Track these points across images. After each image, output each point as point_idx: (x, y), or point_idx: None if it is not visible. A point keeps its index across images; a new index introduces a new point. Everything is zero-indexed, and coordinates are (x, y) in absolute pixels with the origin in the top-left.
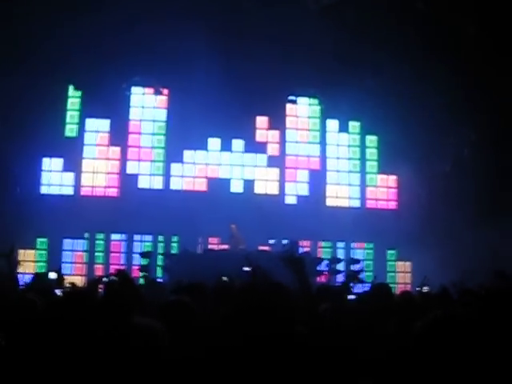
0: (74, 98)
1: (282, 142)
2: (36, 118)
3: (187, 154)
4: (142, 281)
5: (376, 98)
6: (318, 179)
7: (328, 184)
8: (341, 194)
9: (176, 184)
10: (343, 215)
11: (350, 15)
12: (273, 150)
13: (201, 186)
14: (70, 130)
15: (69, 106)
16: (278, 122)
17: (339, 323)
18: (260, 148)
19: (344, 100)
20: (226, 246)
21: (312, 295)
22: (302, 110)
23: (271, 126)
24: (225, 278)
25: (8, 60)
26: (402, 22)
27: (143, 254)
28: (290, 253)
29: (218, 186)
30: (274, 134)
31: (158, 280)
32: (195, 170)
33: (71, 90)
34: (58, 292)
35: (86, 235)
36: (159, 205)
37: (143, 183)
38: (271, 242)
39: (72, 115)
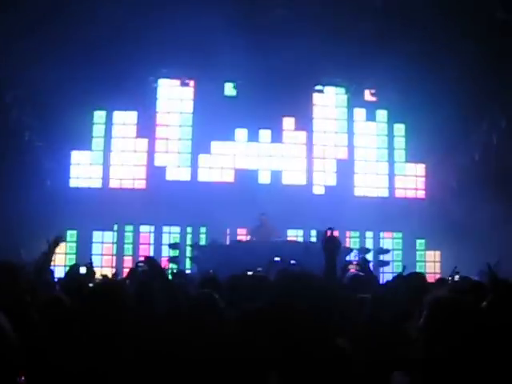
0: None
1: (309, 131)
2: (65, 112)
3: (214, 146)
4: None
5: (403, 85)
6: (345, 169)
7: (356, 174)
8: (369, 184)
9: (203, 175)
10: (371, 205)
11: None
12: (300, 139)
13: (228, 177)
14: (99, 122)
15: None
16: (304, 112)
17: (379, 316)
18: (287, 138)
19: (371, 88)
20: (252, 238)
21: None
22: (329, 100)
23: (298, 116)
24: (250, 273)
25: (43, 54)
26: (430, 5)
27: (172, 246)
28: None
29: (246, 177)
30: (301, 124)
31: (187, 271)
32: (222, 162)
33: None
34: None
35: (115, 227)
36: (187, 196)
37: (171, 175)
38: (277, 259)
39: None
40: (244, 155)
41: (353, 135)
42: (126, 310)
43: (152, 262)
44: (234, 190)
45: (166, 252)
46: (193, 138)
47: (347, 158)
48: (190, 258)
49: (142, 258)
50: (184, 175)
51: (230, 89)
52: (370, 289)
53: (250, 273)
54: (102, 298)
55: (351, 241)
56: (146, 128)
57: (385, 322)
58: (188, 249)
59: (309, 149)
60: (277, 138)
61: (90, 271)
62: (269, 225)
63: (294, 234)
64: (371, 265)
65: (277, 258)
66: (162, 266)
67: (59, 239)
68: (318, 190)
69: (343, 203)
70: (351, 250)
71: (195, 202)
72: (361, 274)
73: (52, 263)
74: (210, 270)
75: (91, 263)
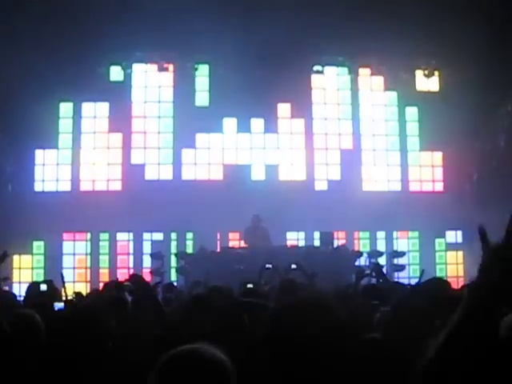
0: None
1: (309, 119)
2: (27, 106)
3: (200, 139)
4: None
5: (413, 62)
6: (351, 160)
7: (363, 165)
8: (378, 177)
9: (188, 173)
10: (382, 201)
11: None
12: (298, 128)
13: (217, 174)
14: (65, 115)
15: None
16: (302, 96)
17: (403, 329)
18: (283, 127)
19: (379, 68)
20: (245, 245)
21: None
22: (330, 82)
23: (295, 102)
24: (250, 285)
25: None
26: None
27: (154, 255)
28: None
29: (237, 173)
30: (299, 111)
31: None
32: (210, 156)
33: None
34: (60, 306)
35: (88, 236)
36: (170, 198)
37: (150, 174)
38: (268, 266)
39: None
40: (234, 148)
41: (358, 122)
42: (107, 343)
43: (138, 281)
44: (224, 189)
45: (148, 263)
46: (174, 130)
47: (353, 147)
48: (176, 269)
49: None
50: (165, 174)
51: (215, 73)
52: (387, 299)
53: (249, 285)
54: (75, 330)
55: (360, 243)
56: (120, 121)
57: (398, 342)
58: (173, 258)
59: (308, 139)
60: (271, 127)
61: (52, 289)
62: (262, 228)
63: (294, 238)
64: (384, 270)
65: (268, 265)
66: (149, 283)
67: (3, 256)
68: (321, 185)
69: (349, 200)
70: (361, 253)
71: (179, 204)
72: (373, 281)
73: (13, 280)
74: (199, 280)
75: (62, 276)
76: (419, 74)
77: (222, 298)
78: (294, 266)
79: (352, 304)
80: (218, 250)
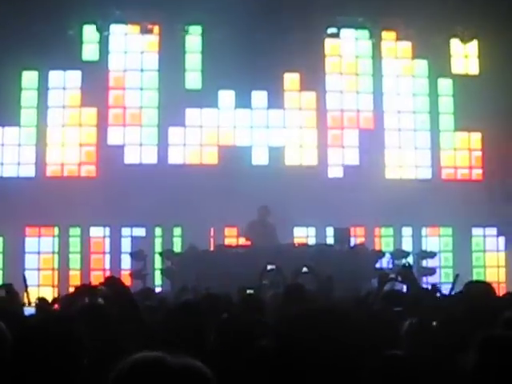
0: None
1: (321, 92)
2: None
3: (190, 115)
4: None
5: (449, 24)
6: (372, 142)
7: (387, 148)
8: (405, 162)
9: (176, 156)
10: (409, 191)
11: None
12: (308, 103)
13: (211, 157)
14: (29, 86)
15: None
16: (314, 65)
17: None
18: (290, 102)
19: (406, 31)
20: (247, 242)
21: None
22: (348, 47)
23: (305, 72)
24: (250, 291)
25: None
26: None
27: (135, 255)
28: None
29: (235, 156)
30: (309, 83)
31: (156, 289)
32: (202, 137)
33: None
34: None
35: (56, 231)
36: (154, 186)
37: (131, 157)
38: (270, 267)
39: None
40: (231, 127)
41: (381, 96)
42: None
43: (116, 285)
44: (219, 176)
45: (128, 263)
46: (160, 105)
47: (374, 127)
48: (161, 271)
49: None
50: (149, 157)
51: (209, 36)
52: (415, 309)
53: (249, 291)
54: (45, 343)
55: (382, 241)
56: (95, 93)
57: (428, 356)
58: (157, 258)
59: (320, 116)
60: (276, 102)
61: (12, 294)
62: (268, 224)
63: (303, 235)
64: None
65: (270, 266)
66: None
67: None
68: (335, 172)
69: (369, 190)
70: (383, 253)
71: (165, 193)
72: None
73: None
74: (187, 285)
75: (25, 281)
76: (454, 39)
77: (218, 307)
78: (305, 270)
79: (372, 313)
80: (212, 248)
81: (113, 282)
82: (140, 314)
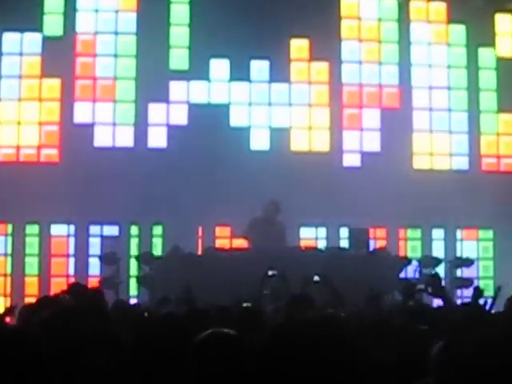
0: None
1: (335, 62)
2: None
3: (175, 88)
4: None
5: None
6: (397, 125)
7: (415, 132)
8: (437, 150)
9: (157, 139)
10: (441, 184)
11: None
12: (320, 76)
13: (199, 141)
14: None
15: None
16: (326, 29)
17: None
18: (298, 74)
19: None
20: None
21: None
22: (368, 8)
23: (315, 37)
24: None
25: None
26: None
27: (106, 258)
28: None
29: (229, 140)
30: (321, 51)
31: (131, 300)
32: (189, 115)
33: None
34: None
35: (9, 229)
36: (130, 175)
37: (102, 139)
38: (271, 273)
39: None
40: (225, 103)
41: (409, 67)
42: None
43: (82, 294)
44: (209, 164)
45: (97, 268)
46: (138, 75)
47: (399, 106)
48: (137, 279)
49: None
50: (124, 139)
51: None
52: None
53: (246, 304)
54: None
55: (409, 245)
56: (59, 60)
57: None
58: (133, 263)
59: (334, 91)
60: (280, 73)
61: None
62: (278, 222)
63: (311, 236)
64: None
65: (271, 272)
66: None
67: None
68: (351, 160)
69: (393, 183)
70: (409, 260)
71: (144, 183)
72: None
73: None
74: (169, 296)
75: None
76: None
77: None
78: (316, 279)
79: (392, 331)
80: (200, 251)
81: (78, 289)
82: (112, 329)
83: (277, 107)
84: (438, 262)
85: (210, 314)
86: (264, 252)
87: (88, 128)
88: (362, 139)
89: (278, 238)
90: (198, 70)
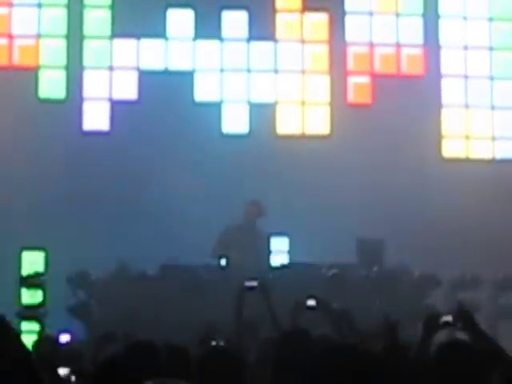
0: None
1: (337, 14)
2: None
3: (120, 49)
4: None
5: None
6: (420, 98)
7: (445, 108)
8: (474, 132)
9: (96, 119)
10: (482, 179)
11: None
12: (316, 32)
13: (148, 121)
14: None
15: None
16: None
17: None
18: (287, 30)
19: None
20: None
21: None
22: None
23: None
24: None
25: None
26: None
27: (26, 280)
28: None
29: (193, 119)
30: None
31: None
32: (140, 86)
33: None
34: None
35: None
36: (57, 166)
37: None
38: (250, 284)
39: None
40: (188, 70)
41: (436, 21)
42: None
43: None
44: (167, 152)
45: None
46: (70, 32)
47: (424, 72)
48: (70, 310)
49: None
50: (51, 119)
51: None
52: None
53: (215, 343)
54: None
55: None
56: None
57: None
58: (63, 285)
59: (336, 53)
60: (263, 29)
61: None
62: (259, 233)
63: (304, 248)
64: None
65: (250, 284)
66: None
67: None
68: (359, 146)
69: (416, 176)
70: (437, 281)
71: (78, 177)
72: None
73: None
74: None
75: None
76: None
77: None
78: (311, 303)
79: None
80: (156, 269)
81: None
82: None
83: (258, 75)
84: (474, 282)
85: (164, 355)
86: (240, 270)
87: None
88: (374, 118)
89: (259, 253)
90: (151, 25)
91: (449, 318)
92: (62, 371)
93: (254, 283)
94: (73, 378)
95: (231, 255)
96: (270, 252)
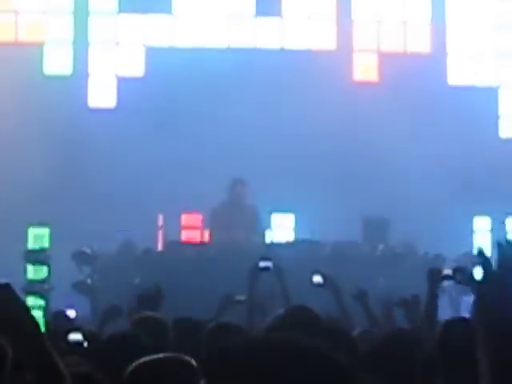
0: None
1: None
2: None
3: (126, 23)
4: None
5: None
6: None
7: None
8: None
9: (102, 96)
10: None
11: None
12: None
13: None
14: None
15: None
16: None
17: None
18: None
19: None
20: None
21: None
22: None
23: None
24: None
25: None
26: None
27: (32, 257)
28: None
29: (205, 93)
30: None
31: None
32: (147, 62)
33: None
34: None
35: None
36: (64, 143)
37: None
38: (264, 264)
39: None
40: (198, 47)
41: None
42: None
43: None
44: (175, 128)
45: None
46: (76, 8)
47: (430, 50)
48: (75, 285)
49: None
50: (56, 96)
51: None
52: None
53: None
54: None
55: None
56: None
57: None
58: (66, 261)
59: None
60: (270, 4)
61: None
62: (246, 207)
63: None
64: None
65: (264, 264)
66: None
67: None
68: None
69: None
70: (442, 259)
71: (83, 154)
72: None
73: None
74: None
75: None
76: None
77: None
78: (317, 279)
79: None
80: (161, 246)
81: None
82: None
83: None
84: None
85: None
86: (241, 248)
87: None
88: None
89: (248, 227)
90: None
91: (449, 272)
92: (74, 336)
93: (269, 264)
94: (85, 344)
95: (233, 234)
96: (265, 228)
